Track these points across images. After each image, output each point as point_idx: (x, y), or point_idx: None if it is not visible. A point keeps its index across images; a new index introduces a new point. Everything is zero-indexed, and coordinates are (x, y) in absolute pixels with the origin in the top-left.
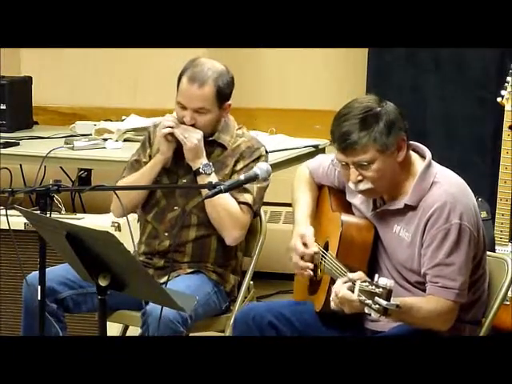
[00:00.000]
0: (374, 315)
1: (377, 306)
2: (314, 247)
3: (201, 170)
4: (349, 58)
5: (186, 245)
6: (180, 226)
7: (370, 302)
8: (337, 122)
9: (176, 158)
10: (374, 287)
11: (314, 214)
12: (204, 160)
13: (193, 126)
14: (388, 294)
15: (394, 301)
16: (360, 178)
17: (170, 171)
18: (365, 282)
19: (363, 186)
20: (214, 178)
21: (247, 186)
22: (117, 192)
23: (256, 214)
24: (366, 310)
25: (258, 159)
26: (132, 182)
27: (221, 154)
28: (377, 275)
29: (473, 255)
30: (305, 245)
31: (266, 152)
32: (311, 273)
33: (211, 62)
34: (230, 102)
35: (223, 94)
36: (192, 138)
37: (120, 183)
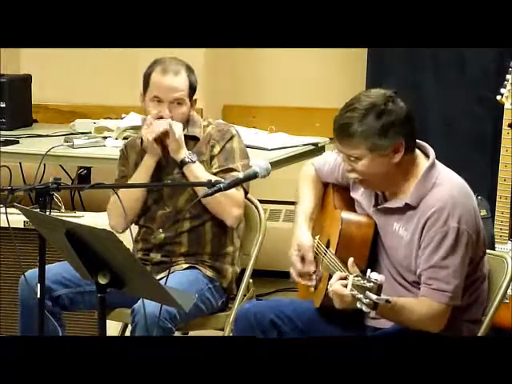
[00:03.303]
0: (365, 309)
1: (367, 300)
2: (311, 266)
3: (186, 159)
4: (349, 56)
5: (181, 235)
6: (173, 222)
7: (361, 296)
8: (340, 112)
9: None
10: (365, 281)
11: (317, 213)
12: (185, 150)
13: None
14: (378, 289)
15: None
16: (350, 168)
17: (154, 175)
18: (357, 276)
19: (353, 176)
20: (199, 166)
21: (232, 165)
22: (111, 209)
23: (246, 192)
24: (358, 305)
25: (231, 139)
26: (128, 190)
27: (194, 145)
28: (369, 270)
29: (471, 258)
30: (302, 259)
31: (237, 131)
32: (312, 285)
33: (174, 58)
34: (196, 97)
35: (194, 86)
36: (177, 130)
37: (115, 197)
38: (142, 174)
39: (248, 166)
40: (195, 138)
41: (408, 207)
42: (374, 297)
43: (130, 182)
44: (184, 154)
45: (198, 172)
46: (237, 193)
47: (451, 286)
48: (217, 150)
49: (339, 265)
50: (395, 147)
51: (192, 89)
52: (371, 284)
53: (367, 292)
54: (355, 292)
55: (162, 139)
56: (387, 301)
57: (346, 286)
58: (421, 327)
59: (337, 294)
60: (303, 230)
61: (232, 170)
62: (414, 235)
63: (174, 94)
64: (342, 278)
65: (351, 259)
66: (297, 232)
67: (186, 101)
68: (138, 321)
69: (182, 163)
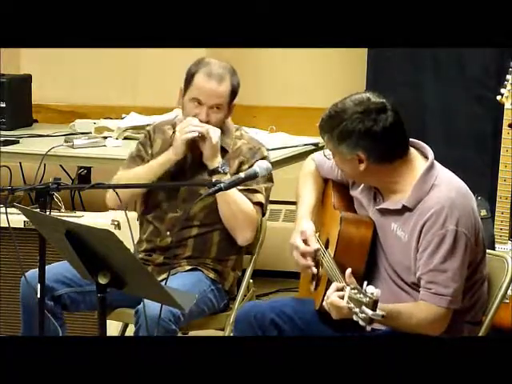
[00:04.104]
0: (361, 323)
1: (363, 315)
2: (314, 244)
3: (220, 169)
4: (349, 56)
5: (187, 239)
6: (181, 226)
7: (357, 310)
8: (331, 106)
9: (180, 162)
10: (361, 295)
11: (317, 209)
12: (220, 158)
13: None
14: (374, 304)
15: (382, 309)
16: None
17: (175, 174)
18: (354, 289)
19: None
20: (229, 178)
21: (256, 186)
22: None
23: (263, 215)
24: (354, 318)
25: (261, 160)
26: (137, 174)
27: (223, 156)
28: (365, 282)
29: (470, 260)
30: (305, 242)
31: (268, 152)
32: (314, 270)
33: (219, 61)
34: (235, 102)
35: (235, 92)
36: (215, 136)
37: (123, 174)
38: (157, 166)
39: (270, 189)
40: (224, 150)
41: (405, 209)
42: (369, 312)
43: (144, 169)
44: (218, 162)
45: None
46: (255, 215)
47: (450, 289)
48: (245, 167)
49: (336, 271)
50: (357, 157)
51: (233, 94)
52: (367, 299)
53: (363, 307)
54: (351, 305)
55: (195, 142)
56: (383, 316)
57: (342, 298)
58: (421, 332)
59: (333, 306)
60: (305, 220)
61: (256, 191)
62: (411, 237)
63: (215, 100)
64: (339, 289)
65: (349, 270)
66: (299, 222)
67: (226, 107)
68: (141, 322)
69: (214, 171)
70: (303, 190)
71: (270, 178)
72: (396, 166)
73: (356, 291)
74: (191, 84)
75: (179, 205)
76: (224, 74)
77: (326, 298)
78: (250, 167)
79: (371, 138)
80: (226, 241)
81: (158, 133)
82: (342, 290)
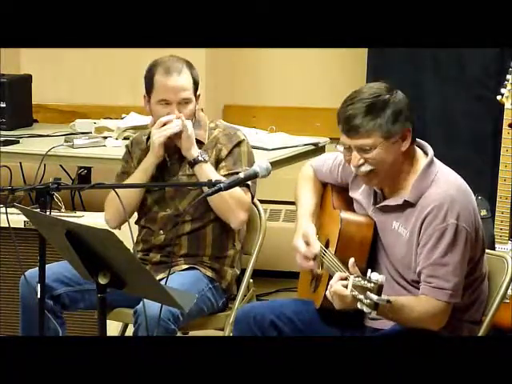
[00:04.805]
0: (365, 310)
1: (368, 300)
2: (316, 246)
3: (200, 158)
4: (348, 56)
5: (181, 237)
6: (174, 224)
7: (362, 297)
8: (344, 105)
9: (160, 164)
10: (366, 282)
11: (316, 212)
12: (197, 148)
13: None
14: (379, 289)
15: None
16: (362, 161)
17: (158, 176)
18: (358, 276)
19: (364, 169)
20: (210, 166)
21: (240, 169)
22: (109, 203)
23: (253, 197)
24: (359, 306)
25: (239, 144)
26: (125, 189)
27: (200, 148)
28: (369, 270)
29: (470, 257)
30: (307, 244)
31: (245, 136)
32: (318, 271)
33: (172, 57)
34: (199, 92)
35: (197, 81)
36: (189, 127)
37: (111, 195)
38: (142, 174)
39: None
40: (199, 142)
41: (407, 204)
42: (374, 297)
43: (129, 180)
44: (196, 152)
45: (210, 172)
46: (244, 196)
47: (451, 283)
48: (224, 153)
49: (339, 265)
50: (403, 134)
51: (196, 84)
52: (372, 284)
53: (368, 293)
54: (356, 292)
55: (172, 139)
56: (388, 301)
57: (346, 287)
58: (421, 325)
59: (337, 295)
60: (306, 221)
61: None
62: (412, 233)
63: (182, 94)
64: (342, 279)
65: (352, 259)
66: (300, 222)
67: (193, 98)
68: (140, 322)
69: (195, 161)
70: (302, 192)
71: (252, 161)
72: (408, 152)
73: (360, 278)
74: (153, 87)
75: (168, 203)
76: (181, 67)
77: (329, 287)
78: (229, 152)
79: (411, 110)
80: (220, 236)
81: (136, 144)
82: (345, 279)
